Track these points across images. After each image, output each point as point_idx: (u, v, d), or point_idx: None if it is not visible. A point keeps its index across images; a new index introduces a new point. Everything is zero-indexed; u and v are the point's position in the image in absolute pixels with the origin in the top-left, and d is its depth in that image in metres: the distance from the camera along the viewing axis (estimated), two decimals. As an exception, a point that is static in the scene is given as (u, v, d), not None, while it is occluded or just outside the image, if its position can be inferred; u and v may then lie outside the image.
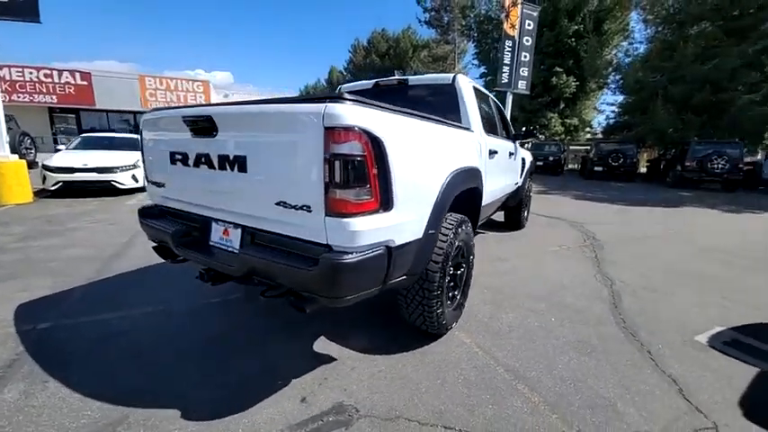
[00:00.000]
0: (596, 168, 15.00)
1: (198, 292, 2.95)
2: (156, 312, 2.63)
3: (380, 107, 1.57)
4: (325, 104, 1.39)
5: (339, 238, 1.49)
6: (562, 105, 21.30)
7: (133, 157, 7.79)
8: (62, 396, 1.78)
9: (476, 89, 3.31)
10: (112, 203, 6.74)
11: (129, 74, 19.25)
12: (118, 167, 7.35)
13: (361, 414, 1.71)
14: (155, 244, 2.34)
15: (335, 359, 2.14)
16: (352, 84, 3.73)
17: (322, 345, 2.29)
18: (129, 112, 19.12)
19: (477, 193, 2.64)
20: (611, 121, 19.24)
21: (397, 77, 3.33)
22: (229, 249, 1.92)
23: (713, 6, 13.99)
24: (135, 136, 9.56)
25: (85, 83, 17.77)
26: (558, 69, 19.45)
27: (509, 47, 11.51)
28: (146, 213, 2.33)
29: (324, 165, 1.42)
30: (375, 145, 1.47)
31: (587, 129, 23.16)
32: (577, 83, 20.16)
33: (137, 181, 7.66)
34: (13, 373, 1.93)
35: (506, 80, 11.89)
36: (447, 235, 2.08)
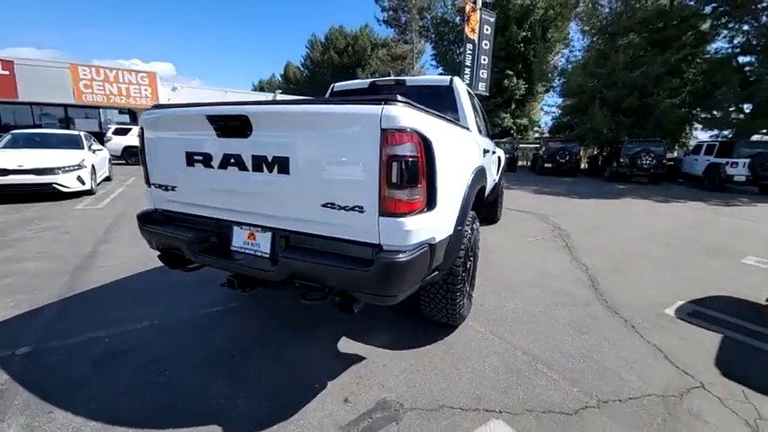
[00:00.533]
0: (546, 165, 16.21)
1: (191, 302, 2.78)
2: (156, 326, 2.44)
3: (425, 111, 1.63)
4: (382, 107, 1.42)
5: (392, 237, 1.52)
6: (513, 106, 22.67)
7: (77, 156, 6.98)
8: (76, 426, 1.61)
9: (468, 91, 3.47)
10: (55, 209, 5.99)
11: (58, 62, 16.96)
12: (60, 168, 6.53)
13: (406, 408, 1.76)
14: (158, 252, 2.17)
15: (365, 357, 2.16)
16: (346, 83, 3.71)
17: (346, 345, 2.29)
18: (60, 105, 16.95)
19: (483, 190, 2.80)
20: (556, 121, 20.89)
21: (394, 78, 3.39)
22: (257, 254, 1.87)
23: (641, 19, 15.74)
24: (76, 132, 8.56)
25: (7, 72, 15.42)
26: (510, 72, 20.67)
27: (470, 50, 12.04)
28: (148, 219, 2.16)
29: (380, 166, 1.45)
30: (425, 146, 1.53)
31: (535, 128, 24.92)
32: (526, 85, 21.58)
33: (83, 183, 6.88)
34: (7, 406, 1.70)
35: (467, 81, 12.42)
36: (467, 230, 2.19)
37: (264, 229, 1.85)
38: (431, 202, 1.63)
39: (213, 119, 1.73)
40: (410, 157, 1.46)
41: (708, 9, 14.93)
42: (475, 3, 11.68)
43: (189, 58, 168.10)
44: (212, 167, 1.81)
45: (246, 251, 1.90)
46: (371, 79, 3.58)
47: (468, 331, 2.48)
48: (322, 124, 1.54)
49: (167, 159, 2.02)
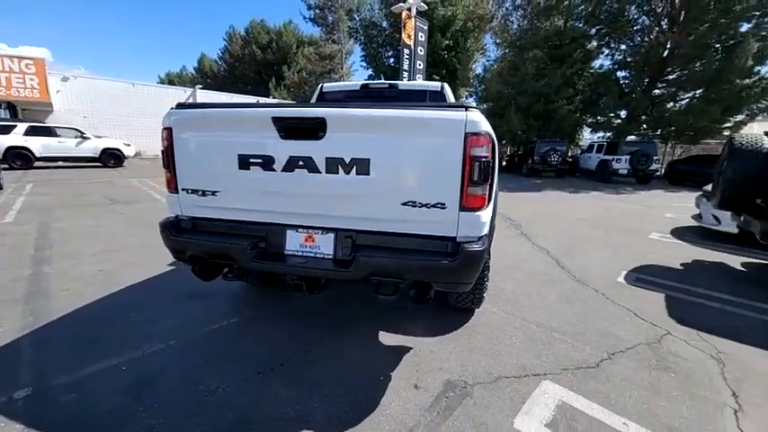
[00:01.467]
0: (475, 163, 17.81)
1: (197, 317, 2.57)
2: (176, 346, 2.21)
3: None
4: (465, 113, 1.58)
5: (469, 230, 1.70)
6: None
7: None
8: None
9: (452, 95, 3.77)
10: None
11: None
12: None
13: (470, 384, 1.95)
14: (190, 263, 1.99)
15: (411, 347, 2.28)
16: (335, 84, 3.72)
17: (387, 338, 2.38)
18: None
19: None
20: (479, 123, 23.05)
21: (387, 81, 3.52)
22: (318, 256, 1.87)
23: (543, 37, 18.26)
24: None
25: None
26: (436, 77, 22.07)
27: (407, 55, 12.60)
28: (177, 228, 1.97)
29: (463, 165, 1.61)
30: (493, 148, 1.73)
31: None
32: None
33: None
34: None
35: (406, 84, 12.97)
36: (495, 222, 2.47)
37: (326, 230, 1.86)
38: (490, 198, 1.84)
39: (280, 120, 1.69)
40: (485, 157, 1.65)
41: (593, 30, 18.04)
42: (410, 10, 12.27)
43: (69, 42, 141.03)
44: (273, 170, 1.76)
45: (305, 254, 1.88)
46: (363, 81, 3.66)
47: (485, 313, 2.76)
48: (405, 128, 1.64)
49: (210, 162, 1.87)
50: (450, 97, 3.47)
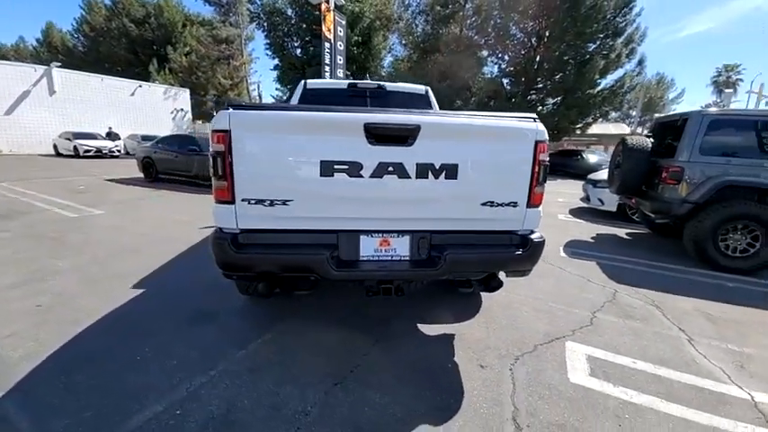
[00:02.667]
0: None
1: (224, 339, 2.32)
2: (224, 373, 1.95)
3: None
4: (535, 124, 1.85)
5: (532, 223, 1.99)
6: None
7: None
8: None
9: None
10: None
11: None
12: None
13: (518, 354, 2.27)
14: (257, 281, 1.80)
15: (453, 334, 2.49)
16: (319, 81, 3.59)
17: (429, 330, 2.54)
18: None
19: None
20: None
21: (375, 82, 3.56)
22: (395, 258, 1.93)
23: (443, 42, 20.08)
24: None
25: None
26: (348, 73, 22.17)
27: (327, 49, 12.39)
28: (236, 243, 1.75)
29: (532, 168, 1.88)
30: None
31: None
32: (361, 86, 23.75)
33: None
34: None
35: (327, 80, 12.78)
36: None
37: (401, 233, 1.92)
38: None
39: (373, 127, 1.67)
40: (547, 161, 1.95)
41: (482, 41, 20.62)
42: (329, 2, 12.07)
43: None
44: (361, 176, 1.73)
45: (381, 258, 1.91)
46: (351, 80, 3.62)
47: (486, 296, 3.14)
48: (488, 135, 1.82)
49: (282, 169, 1.71)
50: (435, 102, 3.72)
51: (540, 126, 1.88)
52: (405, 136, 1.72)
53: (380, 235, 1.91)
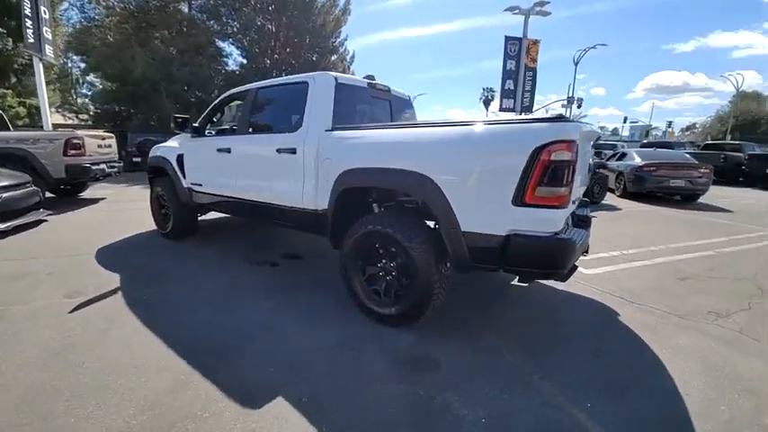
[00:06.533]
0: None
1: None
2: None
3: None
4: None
5: None
6: (13, 79, 15.71)
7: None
8: None
9: None
10: None
11: None
12: None
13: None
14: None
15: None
16: (345, 76, 3.17)
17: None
18: None
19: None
20: (99, 109, 17.47)
21: (385, 84, 3.60)
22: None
23: (177, 20, 16.80)
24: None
25: None
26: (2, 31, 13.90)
27: None
28: None
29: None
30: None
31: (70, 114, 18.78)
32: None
33: None
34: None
35: (33, 40, 8.09)
36: None
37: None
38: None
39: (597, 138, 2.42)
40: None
41: (218, 27, 19.03)
42: None
43: None
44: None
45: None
46: (367, 80, 3.42)
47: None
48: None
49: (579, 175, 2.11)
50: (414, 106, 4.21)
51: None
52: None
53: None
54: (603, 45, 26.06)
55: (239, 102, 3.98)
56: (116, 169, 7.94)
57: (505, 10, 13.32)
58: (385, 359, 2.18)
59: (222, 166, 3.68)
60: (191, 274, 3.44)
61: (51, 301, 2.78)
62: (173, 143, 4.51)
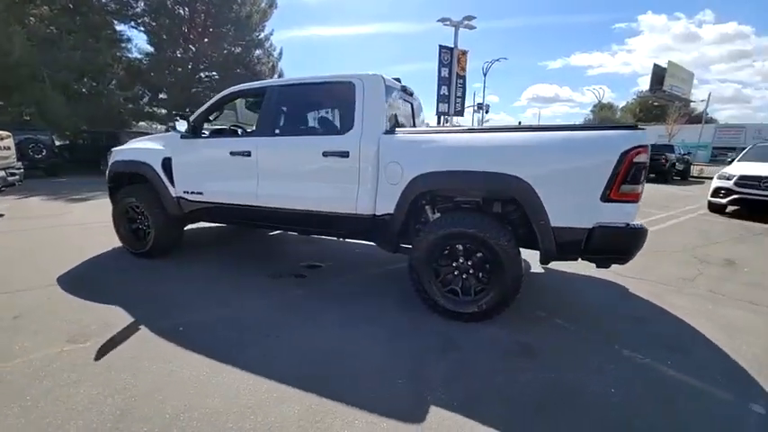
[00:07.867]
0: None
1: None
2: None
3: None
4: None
5: None
6: None
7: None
8: None
9: None
10: None
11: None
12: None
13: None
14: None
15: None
16: (391, 78, 3.14)
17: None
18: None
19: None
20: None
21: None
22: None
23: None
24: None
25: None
26: None
27: None
28: None
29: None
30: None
31: None
32: None
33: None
34: None
35: None
36: None
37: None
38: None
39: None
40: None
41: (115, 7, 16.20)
42: None
43: None
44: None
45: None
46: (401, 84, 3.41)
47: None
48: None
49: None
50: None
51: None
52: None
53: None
54: (505, 59, 29.45)
55: (247, 99, 3.59)
56: (17, 177, 6.26)
57: (438, 21, 14.31)
58: (492, 352, 2.29)
59: (239, 171, 3.28)
60: (210, 296, 3.00)
61: (55, 350, 2.16)
62: (151, 144, 3.82)
